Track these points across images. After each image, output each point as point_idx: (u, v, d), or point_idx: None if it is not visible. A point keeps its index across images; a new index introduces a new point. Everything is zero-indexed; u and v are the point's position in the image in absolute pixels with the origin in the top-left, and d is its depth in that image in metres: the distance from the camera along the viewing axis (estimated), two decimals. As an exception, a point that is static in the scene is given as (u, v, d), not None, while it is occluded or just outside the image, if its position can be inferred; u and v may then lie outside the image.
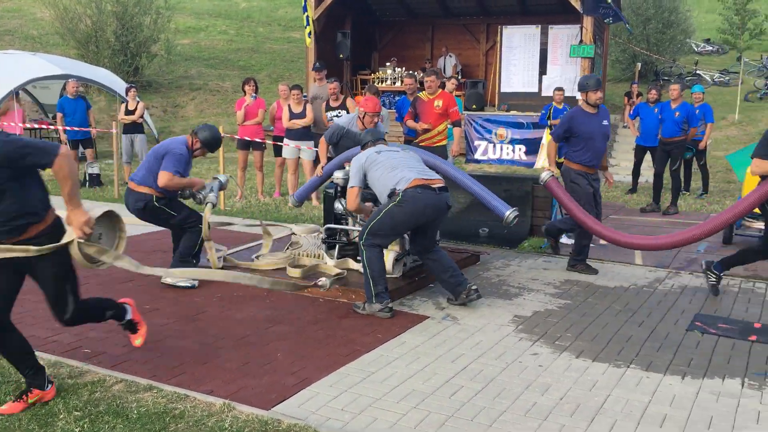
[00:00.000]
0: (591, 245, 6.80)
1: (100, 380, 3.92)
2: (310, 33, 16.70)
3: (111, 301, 4.03)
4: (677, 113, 9.87)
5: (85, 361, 4.20)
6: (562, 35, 16.03)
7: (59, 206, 3.52)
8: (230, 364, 4.21)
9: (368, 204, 5.86)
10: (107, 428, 3.37)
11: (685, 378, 4.13)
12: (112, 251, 3.67)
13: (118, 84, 15.54)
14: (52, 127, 15.05)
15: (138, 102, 12.01)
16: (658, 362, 4.38)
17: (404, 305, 5.50)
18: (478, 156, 15.50)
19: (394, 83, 17.71)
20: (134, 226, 6.54)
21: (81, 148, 12.38)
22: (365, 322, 5.05)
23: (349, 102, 10.18)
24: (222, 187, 6.23)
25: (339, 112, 9.94)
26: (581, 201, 6.42)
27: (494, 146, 15.59)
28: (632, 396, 3.87)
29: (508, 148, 15.48)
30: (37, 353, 3.80)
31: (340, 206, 6.28)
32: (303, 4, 16.62)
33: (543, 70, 16.31)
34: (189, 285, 5.84)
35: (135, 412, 3.53)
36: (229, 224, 7.46)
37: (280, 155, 10.61)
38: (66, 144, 11.20)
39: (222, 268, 6.15)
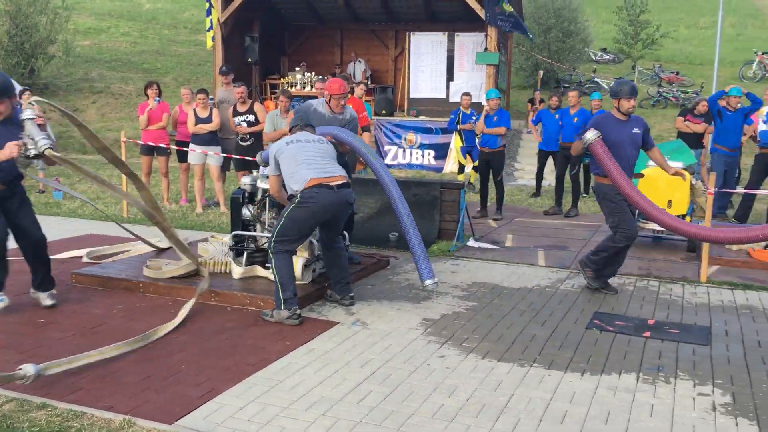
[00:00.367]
0: (499, 248, 6.91)
1: (-11, 400, 3.70)
2: (213, 36, 16.42)
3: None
4: (575, 119, 10.27)
5: (-28, 380, 3.95)
6: (468, 42, 16.42)
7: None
8: (131, 378, 4.05)
9: None
10: (-4, 451, 3.19)
11: (584, 375, 4.29)
12: None
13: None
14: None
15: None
16: (559, 360, 4.53)
17: (314, 311, 5.47)
18: (388, 161, 15.62)
19: (304, 88, 17.62)
20: None
21: None
22: (274, 329, 4.99)
23: (257, 106, 10.03)
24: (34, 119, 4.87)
25: (247, 117, 9.79)
26: (620, 218, 5.98)
27: (404, 151, 15.79)
28: (535, 394, 3.98)
29: (417, 152, 15.72)
30: None
31: (248, 212, 6.19)
32: (207, 7, 16.33)
33: (450, 76, 16.65)
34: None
35: (27, 432, 3.35)
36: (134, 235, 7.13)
37: (185, 161, 10.34)
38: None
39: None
